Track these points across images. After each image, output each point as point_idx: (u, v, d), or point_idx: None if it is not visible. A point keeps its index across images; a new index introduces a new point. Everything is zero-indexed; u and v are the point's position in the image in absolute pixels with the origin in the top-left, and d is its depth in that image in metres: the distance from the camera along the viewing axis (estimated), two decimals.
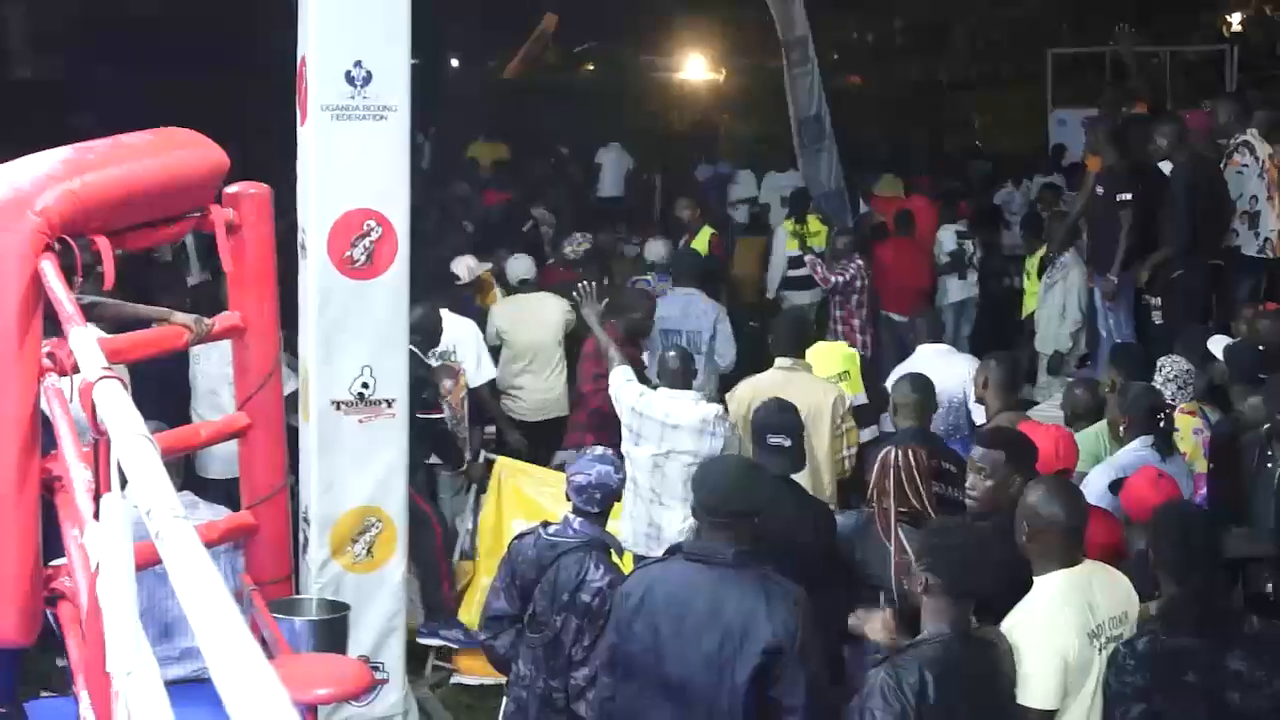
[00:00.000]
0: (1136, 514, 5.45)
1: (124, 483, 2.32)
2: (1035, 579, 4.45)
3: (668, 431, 6.84)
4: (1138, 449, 6.30)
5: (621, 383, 7.19)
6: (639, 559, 6.30)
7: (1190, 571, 4.31)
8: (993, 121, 17.41)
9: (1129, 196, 9.47)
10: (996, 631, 4.36)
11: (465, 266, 9.92)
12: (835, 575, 5.49)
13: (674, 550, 4.74)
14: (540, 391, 9.49)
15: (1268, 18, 16.83)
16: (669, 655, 4.43)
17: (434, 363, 8.17)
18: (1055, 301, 10.71)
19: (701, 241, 12.51)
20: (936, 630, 4.18)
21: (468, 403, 8.50)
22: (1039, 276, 11.08)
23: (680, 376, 7.07)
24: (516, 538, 5.71)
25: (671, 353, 7.30)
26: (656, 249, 11.76)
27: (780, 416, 6.00)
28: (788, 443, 5.87)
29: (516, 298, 9.86)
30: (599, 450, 5.70)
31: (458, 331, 8.50)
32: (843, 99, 20.90)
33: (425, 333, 7.90)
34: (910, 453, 5.52)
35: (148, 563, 2.28)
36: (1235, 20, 17.27)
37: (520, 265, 10.06)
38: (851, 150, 15.71)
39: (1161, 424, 6.48)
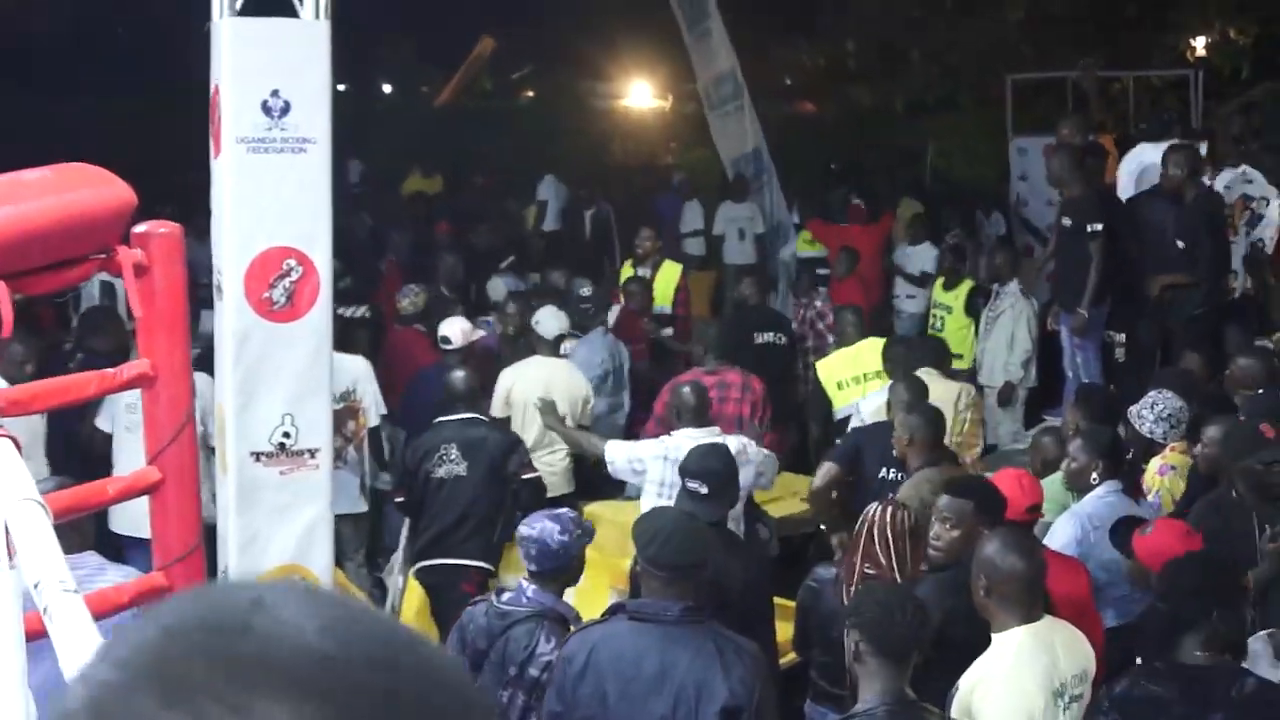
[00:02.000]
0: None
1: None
2: (995, 635, 4.43)
3: None
4: (1105, 494, 6.30)
5: (624, 447, 7.28)
6: None
7: (1208, 618, 4.28)
8: (950, 148, 17.51)
9: (1099, 227, 9.53)
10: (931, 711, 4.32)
11: (459, 329, 9.09)
12: (759, 624, 5.51)
13: (616, 609, 4.69)
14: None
15: (1232, 41, 17.05)
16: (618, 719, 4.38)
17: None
18: (1003, 332, 10.71)
19: (668, 280, 11.81)
20: (867, 700, 4.14)
21: (366, 443, 8.45)
22: (966, 310, 11.06)
23: (702, 413, 7.25)
24: (470, 603, 5.65)
25: (687, 389, 7.42)
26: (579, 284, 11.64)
27: (701, 462, 6.02)
28: (704, 489, 5.88)
29: (545, 363, 8.91)
30: (558, 510, 5.66)
31: (353, 369, 8.36)
32: (796, 125, 21.07)
33: None
34: (889, 511, 5.55)
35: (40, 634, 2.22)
36: (1199, 44, 17.48)
37: (552, 319, 9.19)
38: (804, 179, 15.85)
39: (1128, 467, 6.54)
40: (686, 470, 6.04)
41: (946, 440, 7.22)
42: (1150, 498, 6.67)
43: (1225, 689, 4.19)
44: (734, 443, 6.92)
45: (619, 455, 7.34)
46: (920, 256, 13.08)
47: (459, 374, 7.99)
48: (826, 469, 7.49)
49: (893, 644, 4.13)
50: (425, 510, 7.59)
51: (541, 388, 8.42)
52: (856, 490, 7.14)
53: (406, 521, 7.96)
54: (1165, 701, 4.18)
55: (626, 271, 11.94)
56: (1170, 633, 4.34)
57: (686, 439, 6.96)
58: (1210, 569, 4.54)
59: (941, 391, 7.84)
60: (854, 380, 9.04)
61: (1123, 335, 10.25)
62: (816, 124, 21.37)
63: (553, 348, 8.92)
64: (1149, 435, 6.92)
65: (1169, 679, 4.24)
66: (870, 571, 5.54)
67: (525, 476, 7.56)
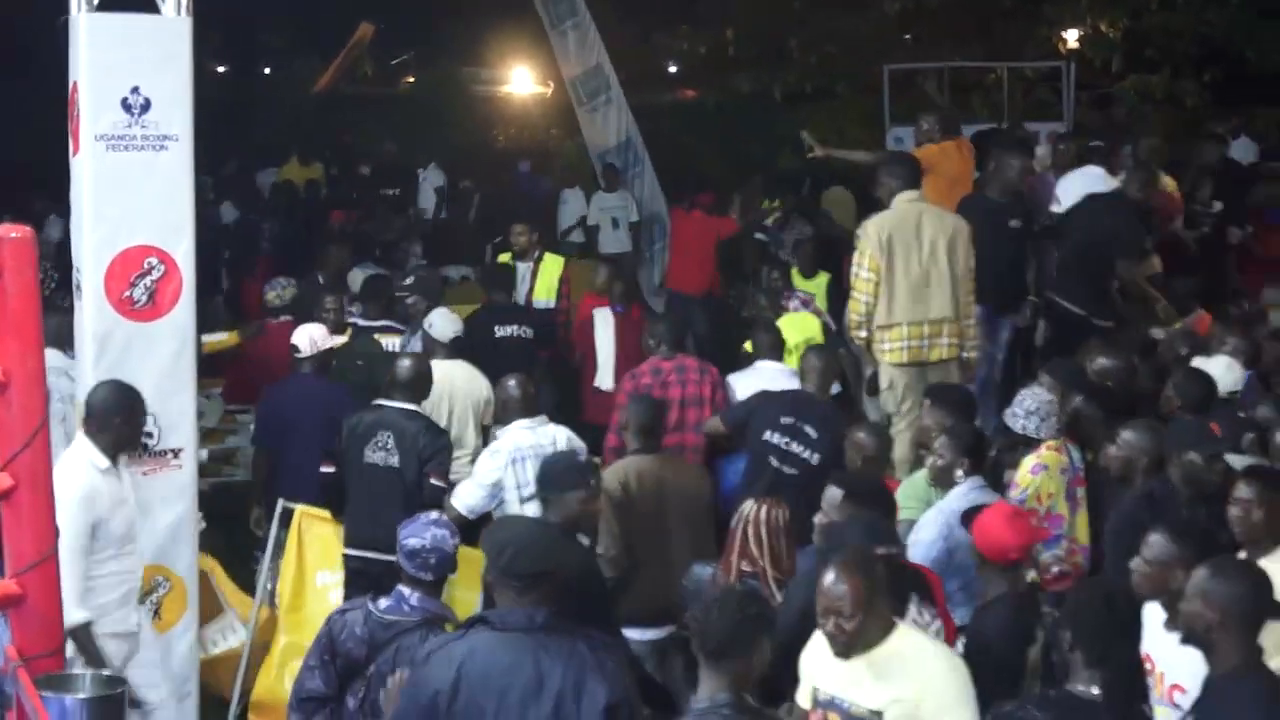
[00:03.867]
0: (993, 555, 5.48)
1: None
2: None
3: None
4: (968, 491, 6.35)
5: (471, 486, 7.31)
6: None
7: (1108, 652, 4.27)
8: (828, 137, 17.66)
9: (1019, 224, 9.56)
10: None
11: (308, 338, 8.62)
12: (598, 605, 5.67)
13: (475, 621, 4.61)
14: None
15: (1102, 35, 17.34)
16: None
17: None
18: None
19: (550, 274, 11.52)
20: (696, 700, 4.19)
21: None
22: (828, 299, 11.00)
23: (530, 404, 7.46)
24: (339, 612, 5.55)
25: (511, 382, 7.46)
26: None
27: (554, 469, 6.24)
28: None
29: (440, 365, 8.41)
30: (434, 515, 5.59)
31: None
32: (679, 112, 21.12)
33: None
34: (767, 508, 5.60)
35: None
36: (1072, 37, 17.78)
37: (446, 322, 8.91)
38: (677, 169, 15.89)
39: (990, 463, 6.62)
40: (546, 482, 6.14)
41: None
42: (1015, 494, 6.66)
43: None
44: (561, 435, 7.37)
45: (474, 496, 7.32)
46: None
47: (406, 361, 7.80)
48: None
49: (710, 644, 4.18)
50: (354, 492, 7.45)
51: (441, 389, 8.36)
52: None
53: (279, 508, 7.81)
54: None
55: (504, 259, 11.78)
56: (1067, 656, 4.35)
57: (520, 430, 7.29)
58: (1114, 604, 4.44)
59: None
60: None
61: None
62: (698, 111, 21.43)
63: (449, 349, 8.84)
64: (1021, 431, 6.91)
65: (1054, 708, 4.24)
66: (748, 569, 5.58)
67: (435, 482, 7.48)
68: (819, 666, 4.62)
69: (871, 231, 8.28)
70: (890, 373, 8.29)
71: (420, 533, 5.37)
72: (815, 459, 7.41)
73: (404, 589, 5.33)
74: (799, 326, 9.64)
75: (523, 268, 11.48)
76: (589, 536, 5.48)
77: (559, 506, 5.88)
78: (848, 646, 4.41)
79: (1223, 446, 6.32)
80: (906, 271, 8.22)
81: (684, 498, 6.98)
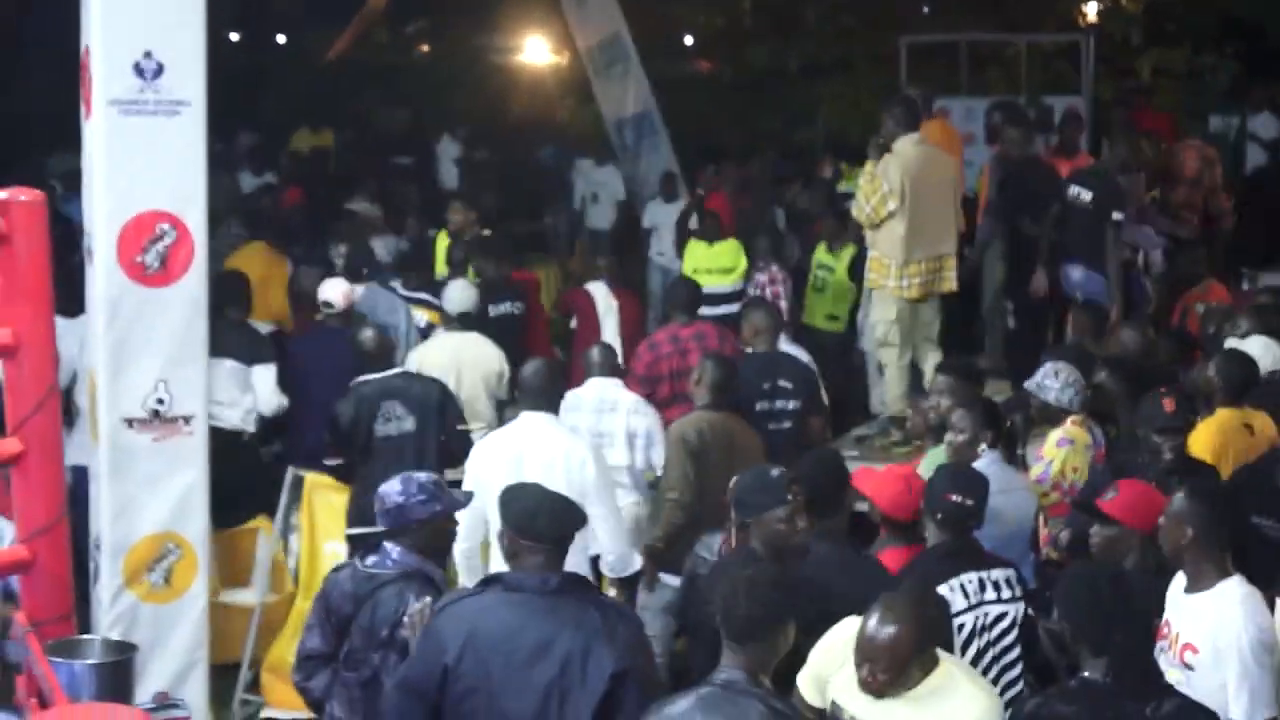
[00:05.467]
0: (1140, 522, 5.38)
1: None
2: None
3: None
4: (987, 465, 6.34)
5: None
6: None
7: (1109, 638, 4.20)
8: (843, 110, 17.57)
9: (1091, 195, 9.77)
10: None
11: (340, 291, 8.74)
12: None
13: (490, 581, 4.69)
14: None
15: (1123, 8, 17.24)
16: (505, 692, 4.42)
17: None
18: None
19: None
20: (716, 672, 4.15)
21: None
22: (849, 275, 11.00)
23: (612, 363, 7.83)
24: (333, 570, 5.58)
25: (594, 349, 7.87)
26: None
27: None
28: None
29: (450, 337, 8.73)
30: (417, 474, 5.57)
31: None
32: (694, 85, 21.01)
33: None
34: None
35: None
36: (1092, 11, 17.66)
37: (461, 294, 9.01)
38: (697, 140, 15.83)
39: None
40: None
41: None
42: (1040, 469, 6.67)
43: (1138, 710, 4.09)
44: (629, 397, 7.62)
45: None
46: None
47: (368, 332, 7.88)
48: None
49: (734, 627, 4.15)
50: (370, 471, 7.32)
51: (450, 362, 8.36)
52: None
53: (289, 477, 7.81)
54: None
55: (442, 243, 11.27)
56: (1073, 648, 4.31)
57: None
58: (1098, 588, 4.33)
59: None
60: None
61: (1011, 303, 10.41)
62: (713, 84, 21.34)
63: (459, 322, 8.85)
64: (1055, 403, 6.87)
65: (1080, 699, 4.18)
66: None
67: (461, 427, 7.57)
68: (848, 687, 4.32)
69: (894, 175, 8.78)
70: (898, 306, 8.95)
71: (400, 483, 5.31)
72: (794, 405, 7.79)
73: (387, 544, 5.33)
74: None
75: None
76: (794, 559, 5.11)
77: (759, 530, 5.18)
78: (879, 694, 4.16)
79: (1175, 422, 6.34)
80: (921, 211, 8.83)
81: (747, 458, 6.94)
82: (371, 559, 5.36)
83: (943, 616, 4.66)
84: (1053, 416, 6.88)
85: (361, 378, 7.65)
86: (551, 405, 6.72)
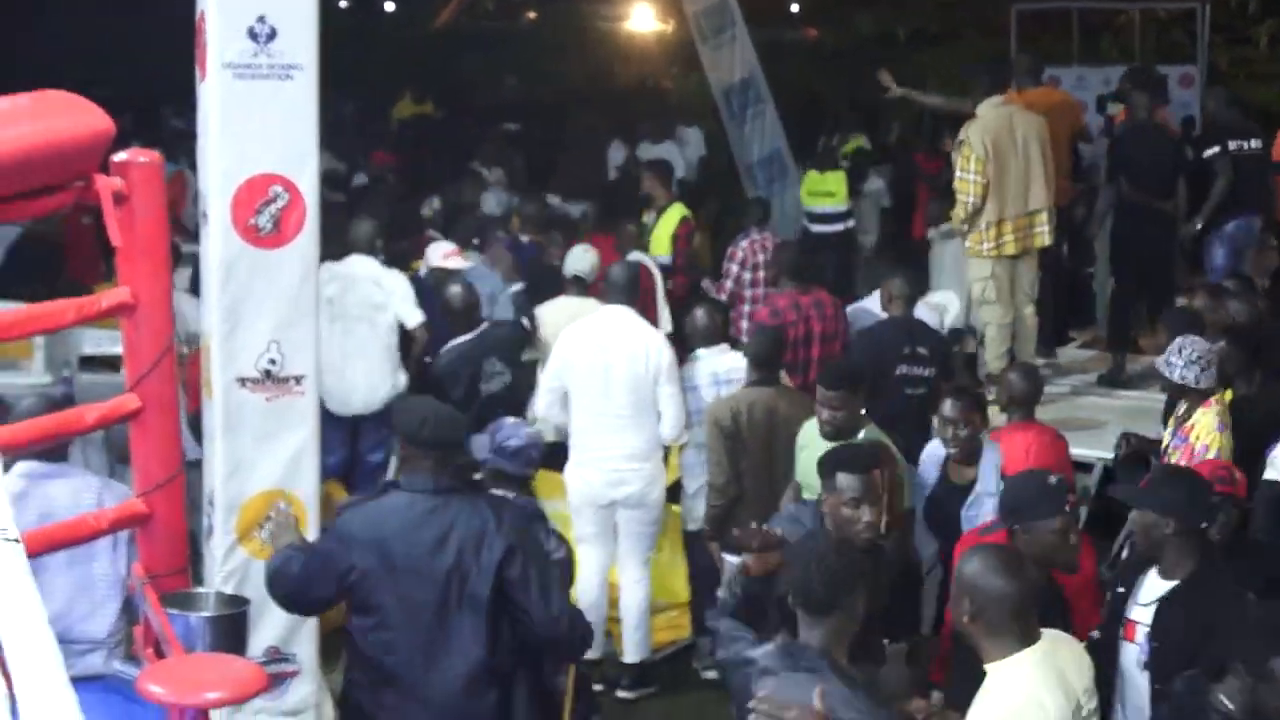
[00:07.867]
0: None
1: None
2: (989, 666, 4.04)
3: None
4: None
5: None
6: None
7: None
8: (951, 79, 17.36)
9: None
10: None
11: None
12: None
13: (388, 486, 5.32)
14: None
15: None
16: (410, 581, 4.99)
17: None
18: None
19: (667, 227, 11.31)
20: (796, 641, 4.19)
21: None
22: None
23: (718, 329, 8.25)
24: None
25: (700, 311, 8.13)
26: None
27: None
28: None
29: (570, 301, 8.86)
30: (510, 419, 6.39)
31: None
32: (799, 53, 20.87)
33: None
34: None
35: None
36: None
37: (574, 259, 9.17)
38: (802, 108, 15.73)
39: None
40: None
41: None
42: (1199, 451, 6.54)
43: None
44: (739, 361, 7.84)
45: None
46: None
47: (455, 289, 8.18)
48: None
49: (806, 600, 4.18)
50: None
51: (557, 325, 8.47)
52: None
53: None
54: None
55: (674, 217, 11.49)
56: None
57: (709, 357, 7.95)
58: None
59: None
60: None
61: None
62: (816, 51, 21.18)
63: (580, 286, 8.97)
64: (1180, 381, 6.77)
65: None
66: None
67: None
68: None
69: (975, 139, 9.08)
70: (993, 265, 9.23)
71: (515, 432, 6.27)
72: (929, 372, 8.04)
73: (498, 492, 5.94)
74: None
75: (646, 219, 11.50)
76: (1067, 570, 4.99)
77: (1031, 538, 4.94)
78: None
79: None
80: (1009, 170, 9.14)
81: (790, 428, 7.02)
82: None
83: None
84: (1189, 392, 6.80)
85: (453, 342, 7.94)
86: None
